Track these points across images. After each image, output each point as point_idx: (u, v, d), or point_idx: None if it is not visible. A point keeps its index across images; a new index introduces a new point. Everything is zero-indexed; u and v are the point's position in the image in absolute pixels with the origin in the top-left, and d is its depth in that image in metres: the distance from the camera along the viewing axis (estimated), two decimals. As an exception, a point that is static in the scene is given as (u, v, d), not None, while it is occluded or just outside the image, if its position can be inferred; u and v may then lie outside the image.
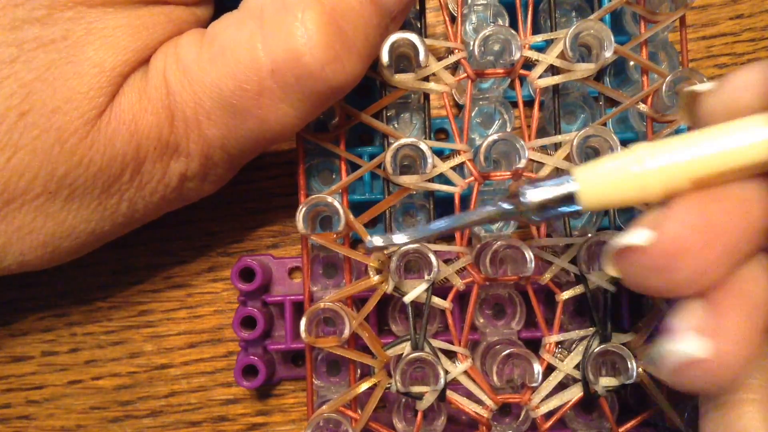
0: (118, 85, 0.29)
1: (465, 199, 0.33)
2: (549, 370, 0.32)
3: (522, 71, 0.33)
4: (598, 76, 0.33)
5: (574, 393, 0.32)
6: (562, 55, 0.32)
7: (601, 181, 0.23)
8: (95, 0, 0.29)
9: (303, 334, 0.31)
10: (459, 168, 0.33)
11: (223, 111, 0.29)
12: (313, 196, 0.31)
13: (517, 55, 0.32)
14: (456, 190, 0.33)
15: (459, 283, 0.32)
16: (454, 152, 0.33)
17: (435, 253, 0.31)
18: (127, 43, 0.29)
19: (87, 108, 0.29)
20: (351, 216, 0.32)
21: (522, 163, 0.31)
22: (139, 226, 0.34)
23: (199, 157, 0.31)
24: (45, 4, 0.28)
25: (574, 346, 0.32)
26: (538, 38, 0.33)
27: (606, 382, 0.31)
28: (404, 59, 0.32)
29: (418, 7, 0.34)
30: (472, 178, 0.32)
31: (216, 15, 0.31)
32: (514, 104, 0.37)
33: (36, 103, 0.28)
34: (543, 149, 0.33)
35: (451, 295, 0.32)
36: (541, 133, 0.35)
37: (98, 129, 0.29)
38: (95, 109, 0.29)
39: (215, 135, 0.30)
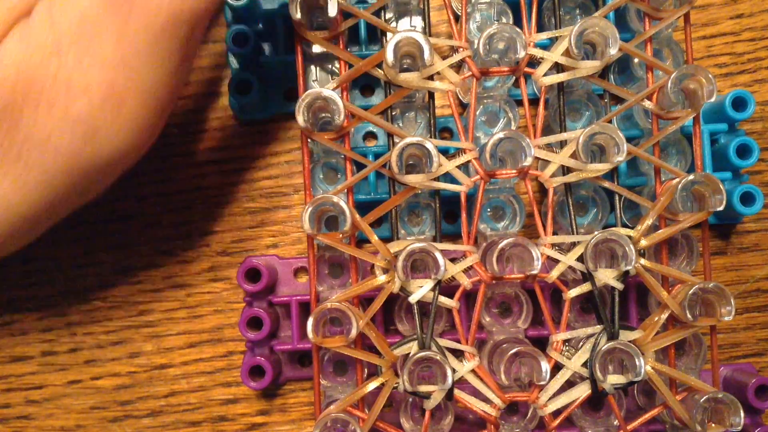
0: None
1: (471, 198, 0.33)
2: (556, 368, 0.32)
3: (527, 69, 0.33)
4: (603, 74, 0.33)
5: (582, 391, 0.32)
6: (566, 53, 0.32)
7: None
8: None
9: (310, 335, 0.31)
10: (464, 166, 0.33)
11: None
12: (319, 196, 0.31)
13: (521, 53, 0.32)
14: (462, 189, 0.32)
15: (466, 282, 0.32)
16: (460, 151, 0.33)
17: (441, 252, 0.31)
18: None
19: None
20: (357, 215, 0.32)
21: (528, 161, 0.31)
22: (71, 211, 0.32)
23: (98, 83, 0.28)
24: None
25: (581, 344, 0.32)
26: (543, 36, 0.33)
27: (614, 379, 0.31)
28: (409, 58, 0.32)
29: (422, 6, 0.34)
30: (477, 177, 0.32)
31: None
32: (519, 102, 0.37)
33: None
34: (548, 147, 0.33)
35: (458, 294, 0.32)
36: (547, 131, 0.35)
37: None
38: None
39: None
